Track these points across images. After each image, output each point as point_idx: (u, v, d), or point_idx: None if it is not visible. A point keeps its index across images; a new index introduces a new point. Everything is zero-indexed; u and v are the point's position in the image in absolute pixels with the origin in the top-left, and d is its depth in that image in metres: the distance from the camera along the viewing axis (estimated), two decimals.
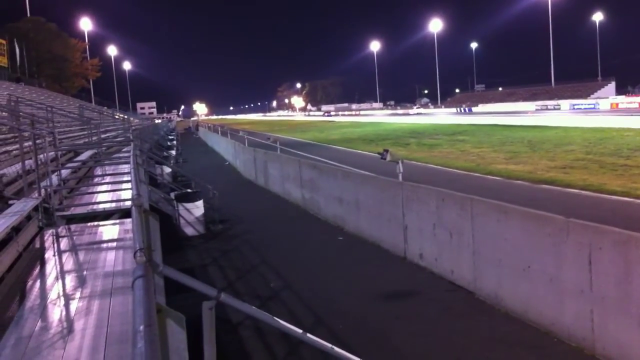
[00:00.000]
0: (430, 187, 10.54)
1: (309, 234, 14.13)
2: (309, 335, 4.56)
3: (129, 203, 6.97)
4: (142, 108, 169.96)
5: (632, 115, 46.31)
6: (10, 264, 5.81)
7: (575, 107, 76.22)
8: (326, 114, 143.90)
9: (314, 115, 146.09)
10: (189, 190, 15.90)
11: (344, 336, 7.42)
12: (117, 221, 8.23)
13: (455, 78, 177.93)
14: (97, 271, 5.62)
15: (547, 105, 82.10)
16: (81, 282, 5.30)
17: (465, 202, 8.85)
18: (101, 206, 9.18)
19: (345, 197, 13.70)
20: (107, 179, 12.02)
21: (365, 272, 10.53)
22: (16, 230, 6.62)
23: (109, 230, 7.85)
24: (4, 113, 15.25)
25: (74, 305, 4.62)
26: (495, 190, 16.42)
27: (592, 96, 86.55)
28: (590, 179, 17.31)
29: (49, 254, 6.64)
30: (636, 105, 67.99)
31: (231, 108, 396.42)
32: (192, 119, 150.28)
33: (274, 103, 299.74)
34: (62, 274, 5.72)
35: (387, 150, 11.28)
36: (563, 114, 61.27)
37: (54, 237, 7.44)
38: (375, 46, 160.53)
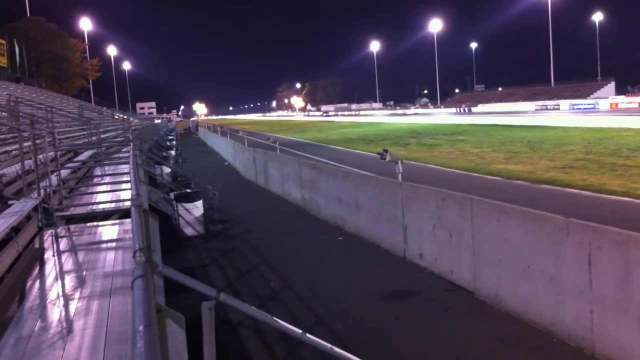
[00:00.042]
0: (430, 187, 10.54)
1: (309, 234, 14.13)
2: (308, 335, 4.56)
3: (128, 203, 6.96)
4: (142, 108, 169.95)
5: (631, 115, 46.34)
6: (9, 264, 5.80)
7: (575, 107, 76.25)
8: (324, 114, 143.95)
9: (314, 116, 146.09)
10: (188, 191, 15.89)
11: (343, 336, 7.42)
12: (117, 221, 8.22)
13: (454, 78, 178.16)
14: (96, 271, 5.62)
15: (546, 105, 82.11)
16: (81, 282, 5.30)
17: (465, 202, 8.85)
18: (101, 206, 9.18)
19: (345, 197, 13.70)
20: (107, 179, 12.02)
21: (365, 272, 10.52)
22: (16, 230, 6.61)
23: (108, 230, 7.85)
24: (3, 113, 15.24)
25: (73, 305, 4.62)
26: (494, 190, 16.42)
27: (591, 96, 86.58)
28: (590, 179, 17.31)
29: (48, 254, 6.64)
30: (636, 105, 68.00)
31: (231, 108, 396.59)
32: (191, 119, 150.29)
33: (274, 103, 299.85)
34: (61, 274, 5.72)
35: (386, 150, 11.28)
36: (563, 114, 61.28)
37: (54, 237, 7.44)
38: (375, 46, 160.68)
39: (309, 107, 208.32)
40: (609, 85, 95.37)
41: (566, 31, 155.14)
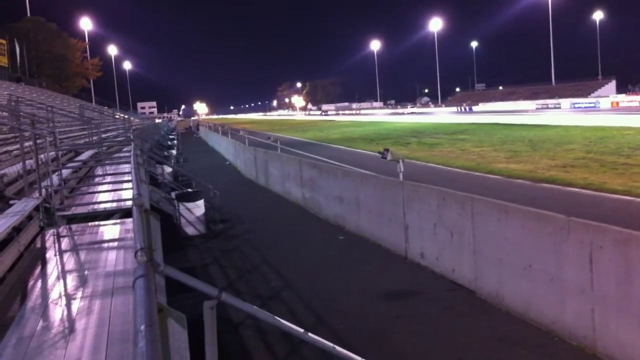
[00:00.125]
0: (431, 186, 10.54)
1: (310, 234, 14.13)
2: (310, 334, 4.56)
3: (129, 203, 6.97)
4: (143, 108, 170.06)
5: (632, 114, 46.33)
6: (11, 263, 5.81)
7: (576, 105, 76.23)
8: (323, 113, 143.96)
9: (315, 115, 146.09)
10: (189, 190, 15.91)
11: (344, 336, 7.42)
12: (118, 221, 8.23)
13: (455, 77, 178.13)
14: (98, 271, 5.62)
15: (547, 104, 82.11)
16: (82, 281, 5.30)
17: (466, 202, 8.85)
18: (102, 206, 9.18)
19: (346, 196, 13.69)
20: (108, 178, 12.02)
21: (366, 271, 10.53)
22: (17, 230, 6.62)
23: (109, 230, 7.85)
24: (4, 113, 15.25)
25: (75, 305, 4.62)
26: (495, 189, 16.42)
27: (592, 95, 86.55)
28: (591, 177, 17.31)
29: (50, 254, 6.64)
30: (636, 104, 67.97)
31: (232, 107, 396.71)
32: (192, 118, 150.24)
33: (275, 102, 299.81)
34: (63, 273, 5.73)
35: (387, 150, 11.27)
36: (563, 113, 61.24)
37: (55, 237, 7.44)
38: (375, 45, 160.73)
39: (309, 106, 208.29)
40: (609, 84, 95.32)
41: (567, 30, 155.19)
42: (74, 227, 7.98)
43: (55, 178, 8.96)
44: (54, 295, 4.97)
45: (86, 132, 22.30)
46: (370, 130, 54.51)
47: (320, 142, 43.36)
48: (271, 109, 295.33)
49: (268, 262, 11.54)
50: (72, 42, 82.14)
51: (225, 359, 6.81)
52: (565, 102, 79.31)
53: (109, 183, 11.14)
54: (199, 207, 14.72)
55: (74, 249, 6.95)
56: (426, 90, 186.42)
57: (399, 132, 47.63)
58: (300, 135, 54.85)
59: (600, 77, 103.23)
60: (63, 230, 7.78)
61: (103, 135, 22.31)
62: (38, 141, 8.93)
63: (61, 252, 6.76)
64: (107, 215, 8.70)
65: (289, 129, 74.69)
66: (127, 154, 14.44)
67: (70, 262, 6.27)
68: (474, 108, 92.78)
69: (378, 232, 12.04)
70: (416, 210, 10.42)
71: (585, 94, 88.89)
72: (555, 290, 7.03)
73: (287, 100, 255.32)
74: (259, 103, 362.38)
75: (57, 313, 4.52)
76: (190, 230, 14.58)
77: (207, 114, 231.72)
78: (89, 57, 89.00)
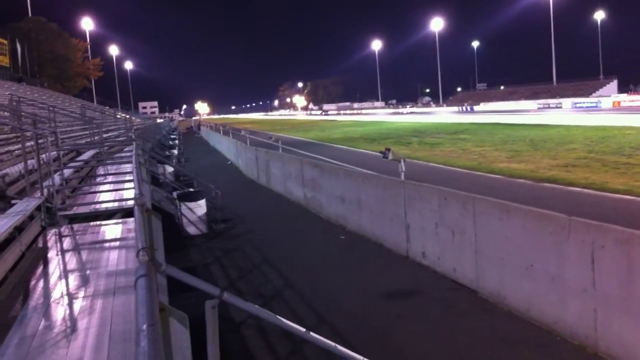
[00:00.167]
0: (433, 185, 10.53)
1: (311, 233, 14.13)
2: (312, 334, 4.56)
3: (131, 202, 6.99)
4: (144, 107, 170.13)
5: (634, 113, 46.28)
6: (13, 263, 5.82)
7: (577, 105, 76.17)
8: (324, 113, 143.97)
9: (316, 115, 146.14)
10: (191, 190, 15.91)
11: (346, 335, 7.43)
12: (120, 220, 8.24)
13: (457, 77, 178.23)
14: (99, 270, 5.63)
15: (549, 104, 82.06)
16: (84, 281, 5.31)
17: (468, 201, 8.85)
18: (104, 205, 9.19)
19: (348, 196, 13.70)
20: (110, 178, 12.04)
21: (368, 271, 10.53)
22: (19, 229, 6.63)
23: (111, 229, 7.86)
24: (6, 113, 15.28)
25: (77, 304, 4.63)
26: (497, 189, 16.41)
27: (594, 95, 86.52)
28: (593, 177, 17.29)
29: (51, 254, 6.65)
30: (638, 104, 67.91)
31: (233, 107, 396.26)
32: (194, 118, 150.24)
33: (276, 102, 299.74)
34: (65, 273, 5.73)
35: (389, 149, 11.27)
36: (565, 113, 61.20)
37: (57, 236, 7.45)
38: (376, 45, 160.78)
39: (311, 106, 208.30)
40: (611, 83, 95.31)
41: (568, 30, 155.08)
42: (75, 226, 8.00)
43: (56, 178, 8.98)
44: (55, 294, 4.98)
45: (88, 132, 22.34)
46: (371, 129, 54.50)
47: (322, 142, 43.36)
48: (272, 108, 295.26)
49: (269, 262, 11.54)
50: (74, 42, 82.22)
51: (227, 359, 6.82)
52: (567, 102, 79.25)
53: (110, 183, 11.15)
54: (200, 207, 14.72)
55: (76, 248, 6.96)
56: (427, 90, 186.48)
57: (400, 131, 47.62)
58: (302, 135, 54.86)
59: (601, 76, 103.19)
60: (65, 230, 7.79)
61: (104, 135, 22.35)
62: (40, 141, 8.94)
63: (63, 252, 6.77)
64: (108, 214, 8.71)
65: (291, 128, 74.70)
66: (128, 154, 14.47)
67: (72, 261, 6.28)
68: (476, 108, 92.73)
69: (379, 232, 12.04)
70: (418, 209, 10.42)
71: (587, 93, 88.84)
72: (556, 289, 7.03)
73: (288, 100, 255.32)
74: (261, 103, 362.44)
75: (59, 312, 4.53)
76: (191, 230, 14.59)
77: (208, 114, 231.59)
78: (90, 57, 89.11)
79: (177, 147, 39.52)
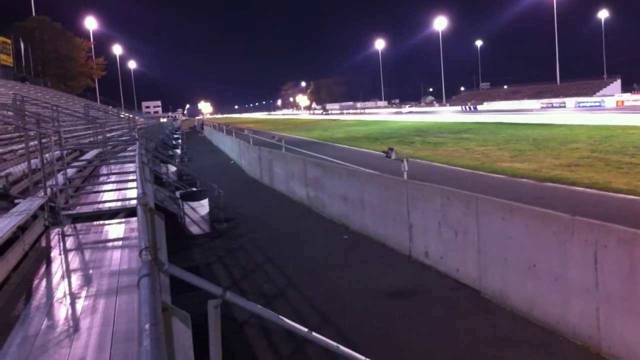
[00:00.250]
0: (435, 185, 10.53)
1: (314, 233, 14.14)
2: (314, 333, 4.56)
3: (134, 202, 6.99)
4: (147, 107, 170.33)
5: (637, 113, 46.18)
6: (16, 262, 5.83)
7: (581, 105, 76.02)
8: (325, 113, 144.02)
9: (319, 114, 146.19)
10: (194, 189, 15.93)
11: (348, 334, 7.43)
12: (123, 220, 8.24)
13: (460, 76, 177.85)
14: (102, 270, 5.64)
15: (552, 103, 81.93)
16: (87, 280, 5.32)
17: (471, 201, 8.84)
18: (107, 205, 9.20)
19: (350, 195, 13.70)
20: (113, 177, 12.05)
21: (370, 270, 10.53)
22: (22, 229, 6.64)
23: (114, 229, 7.87)
24: (9, 112, 15.30)
25: (80, 303, 4.64)
26: (500, 188, 16.39)
27: (597, 94, 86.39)
28: (596, 177, 17.26)
29: (55, 253, 6.66)
30: None
31: (236, 107, 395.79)
32: (197, 117, 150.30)
33: (279, 102, 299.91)
34: (68, 272, 5.74)
35: (392, 149, 11.28)
36: (568, 112, 61.13)
37: (60, 236, 7.47)
38: (379, 44, 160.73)
39: (314, 105, 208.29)
40: (614, 83, 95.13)
41: (572, 29, 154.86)
42: (78, 226, 8.01)
43: (60, 177, 9.00)
44: (58, 294, 4.99)
45: (91, 132, 22.34)
46: (374, 129, 54.47)
47: (325, 142, 43.36)
48: (275, 108, 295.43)
49: (272, 261, 11.55)
50: (77, 42, 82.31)
51: (229, 358, 6.83)
52: (570, 101, 79.11)
53: (113, 182, 11.16)
54: (203, 206, 14.74)
55: (79, 248, 6.97)
56: (431, 89, 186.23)
57: (403, 131, 47.59)
58: (305, 135, 54.87)
59: (605, 76, 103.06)
60: (68, 229, 7.81)
61: (108, 135, 22.37)
62: (43, 140, 8.97)
63: (66, 251, 6.79)
64: (111, 214, 8.71)
65: (294, 128, 74.72)
66: (131, 153, 14.49)
67: (75, 261, 6.29)
68: (479, 107, 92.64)
69: (382, 231, 12.04)
70: (420, 209, 10.41)
71: (590, 93, 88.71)
72: (559, 289, 7.02)
73: (291, 99, 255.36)
74: (264, 102, 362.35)
75: (61, 312, 4.54)
76: (194, 230, 14.61)
77: (211, 114, 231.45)
78: (93, 57, 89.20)
79: (180, 147, 39.57)
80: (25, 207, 7.22)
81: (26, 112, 15.04)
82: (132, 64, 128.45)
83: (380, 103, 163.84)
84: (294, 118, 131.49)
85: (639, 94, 79.16)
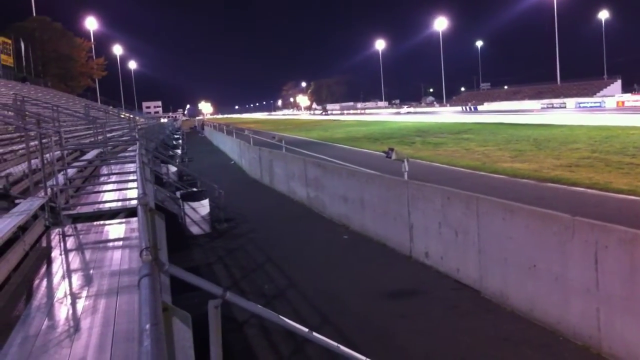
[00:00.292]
0: (436, 185, 10.54)
1: (314, 233, 14.14)
2: (314, 333, 4.56)
3: (134, 202, 6.99)
4: (148, 107, 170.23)
5: (638, 113, 46.18)
6: (16, 262, 5.82)
7: (581, 105, 76.02)
8: (324, 113, 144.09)
9: (319, 114, 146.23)
10: (194, 189, 15.94)
11: (349, 334, 7.43)
12: (123, 220, 8.24)
13: (460, 76, 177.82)
14: (103, 270, 5.63)
15: (552, 104, 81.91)
16: (87, 280, 5.32)
17: (471, 201, 8.84)
18: (107, 205, 9.19)
19: (351, 195, 13.70)
20: (113, 178, 12.05)
21: (371, 270, 10.53)
22: (23, 229, 6.64)
23: (115, 229, 7.87)
24: (10, 112, 15.31)
25: (80, 303, 4.64)
26: (500, 188, 16.39)
27: (598, 94, 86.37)
28: (596, 177, 17.26)
29: (55, 253, 6.66)
30: None
31: (237, 107, 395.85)
32: (197, 118, 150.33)
33: (279, 102, 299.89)
34: (68, 272, 5.74)
35: (392, 149, 11.28)
36: (569, 112, 61.12)
37: (61, 236, 7.47)
38: (380, 45, 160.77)
39: (314, 105, 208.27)
40: (615, 83, 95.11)
41: (572, 29, 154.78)
42: (79, 226, 8.01)
43: (60, 177, 8.99)
44: (59, 294, 4.99)
45: (91, 132, 22.32)
46: (374, 129, 54.47)
47: (325, 142, 43.36)
48: (276, 108, 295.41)
49: (272, 261, 11.55)
50: (78, 42, 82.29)
51: (230, 358, 6.83)
52: (571, 102, 79.10)
53: (114, 182, 11.16)
54: (203, 207, 14.75)
55: (79, 248, 6.97)
56: (431, 90, 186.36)
57: (404, 131, 47.58)
58: (305, 135, 54.87)
59: (605, 76, 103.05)
60: (68, 229, 7.80)
61: (108, 135, 22.38)
62: (43, 140, 8.96)
63: (66, 251, 6.79)
64: (112, 214, 8.71)
65: (294, 128, 74.72)
66: (132, 154, 14.49)
67: (75, 261, 6.29)
68: (479, 107, 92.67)
69: (382, 232, 12.04)
70: (421, 209, 10.41)
71: (591, 93, 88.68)
72: (560, 289, 7.02)
73: (292, 99, 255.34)
74: (264, 102, 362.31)
75: (62, 312, 4.54)
76: (195, 230, 14.61)
77: (212, 114, 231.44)
78: (94, 57, 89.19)
79: (180, 147, 39.60)
80: (26, 207, 7.22)
81: (27, 112, 15.04)
82: (132, 64, 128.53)
83: (380, 103, 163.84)
84: (295, 118, 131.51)
85: (639, 94, 79.16)
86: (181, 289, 4.56)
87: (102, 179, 12.65)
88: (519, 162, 22.42)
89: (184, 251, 12.76)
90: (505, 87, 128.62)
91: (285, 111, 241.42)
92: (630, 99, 73.30)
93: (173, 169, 22.63)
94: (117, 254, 6.25)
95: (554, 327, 7.13)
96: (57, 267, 5.94)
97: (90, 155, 15.37)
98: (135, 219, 7.30)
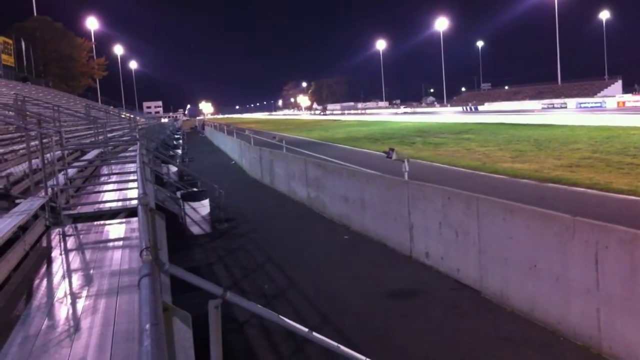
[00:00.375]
0: (436, 185, 10.54)
1: (314, 233, 14.14)
2: (314, 333, 4.57)
3: (135, 202, 6.99)
4: (149, 107, 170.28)
5: (638, 113, 46.15)
6: (17, 262, 5.83)
7: (582, 105, 75.96)
8: (322, 113, 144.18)
9: (318, 114, 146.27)
10: (195, 189, 15.95)
11: (349, 334, 7.43)
12: (124, 220, 8.24)
13: (461, 77, 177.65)
14: (103, 270, 5.64)
15: (553, 104, 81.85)
16: (88, 280, 5.32)
17: (471, 201, 8.84)
18: (107, 205, 9.20)
19: (351, 195, 13.70)
20: (114, 178, 12.05)
21: (371, 270, 10.53)
22: (23, 229, 6.64)
23: (115, 229, 7.87)
24: (11, 112, 15.31)
25: (80, 303, 4.64)
26: (501, 189, 16.38)
27: (598, 95, 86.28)
28: (597, 177, 17.25)
29: (55, 253, 6.66)
30: None
31: (237, 107, 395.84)
32: (198, 118, 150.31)
33: (280, 102, 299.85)
34: (68, 272, 5.75)
35: (392, 149, 11.27)
36: (569, 113, 61.08)
37: (61, 236, 7.47)
38: (380, 45, 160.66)
39: (315, 105, 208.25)
40: (616, 83, 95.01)
41: (573, 29, 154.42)
42: (79, 226, 8.01)
43: (61, 177, 9.00)
44: (59, 294, 4.99)
45: (92, 132, 22.31)
46: (375, 129, 54.46)
47: (326, 142, 43.36)
48: (277, 108, 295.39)
49: (273, 261, 11.56)
50: (79, 42, 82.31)
51: (230, 358, 6.83)
52: (571, 102, 79.03)
53: (114, 182, 11.16)
54: (204, 207, 14.75)
55: (80, 248, 6.98)
56: (432, 90, 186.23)
57: (404, 131, 47.57)
58: (306, 135, 54.87)
59: (606, 76, 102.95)
60: (69, 229, 7.81)
61: (109, 135, 22.40)
62: (44, 140, 8.97)
63: (67, 251, 6.79)
64: (112, 214, 8.71)
65: (294, 128, 74.72)
66: (132, 154, 14.49)
67: (75, 261, 6.30)
68: (480, 108, 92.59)
69: (383, 232, 12.04)
70: (421, 209, 10.41)
71: (592, 93, 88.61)
72: (560, 289, 7.02)
73: (292, 99, 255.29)
74: (265, 102, 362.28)
75: (62, 312, 4.54)
76: (195, 230, 14.62)
77: (212, 114, 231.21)
78: (95, 57, 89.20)
79: (181, 147, 39.63)
80: (26, 207, 7.22)
81: (27, 112, 15.05)
82: (133, 64, 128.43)
83: (381, 103, 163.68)
84: (295, 118, 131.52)
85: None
86: (181, 289, 4.56)
87: (102, 179, 12.65)
88: (520, 162, 22.42)
89: (184, 251, 12.76)
90: (506, 87, 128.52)
91: (286, 111, 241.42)
92: (630, 99, 73.22)
93: (173, 169, 22.64)
94: (118, 254, 6.25)
95: (555, 327, 7.13)
96: (58, 267, 5.95)
97: (91, 155, 15.37)
98: (135, 218, 7.31)
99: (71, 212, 8.54)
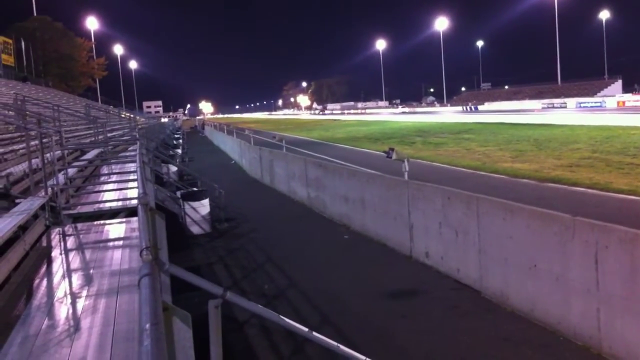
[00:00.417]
0: (436, 185, 10.53)
1: (315, 233, 14.14)
2: (314, 333, 4.57)
3: (135, 202, 6.99)
4: (148, 107, 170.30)
5: (638, 113, 46.14)
6: (17, 262, 5.83)
7: (582, 105, 75.93)
8: (321, 113, 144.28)
9: (318, 114, 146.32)
10: (195, 189, 15.94)
11: (349, 334, 7.43)
12: (124, 220, 8.24)
13: (461, 76, 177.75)
14: (103, 269, 5.64)
15: (553, 104, 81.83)
16: (88, 280, 5.32)
17: (471, 201, 8.84)
18: (107, 205, 9.20)
19: (351, 195, 13.70)
20: (114, 177, 12.05)
21: (371, 270, 10.52)
22: (23, 228, 6.64)
23: (115, 228, 7.87)
24: (11, 112, 15.31)
25: (80, 303, 4.64)
26: (501, 188, 16.38)
27: (598, 94, 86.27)
28: (597, 177, 17.25)
29: (55, 253, 6.66)
30: None
31: (237, 107, 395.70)
32: (198, 117, 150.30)
33: (280, 102, 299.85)
34: (68, 272, 5.75)
35: (392, 149, 11.27)
36: (569, 112, 61.06)
37: (61, 235, 7.47)
38: (380, 45, 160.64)
39: (315, 105, 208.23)
40: (615, 83, 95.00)
41: (573, 29, 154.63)
42: (79, 225, 8.01)
43: (61, 177, 9.00)
44: (59, 293, 4.99)
45: (92, 131, 22.31)
46: (375, 129, 54.44)
47: (326, 142, 43.34)
48: (277, 108, 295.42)
49: (273, 261, 11.55)
50: (78, 42, 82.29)
51: (230, 358, 6.83)
52: (571, 102, 79.00)
53: (114, 182, 11.17)
54: (204, 206, 14.75)
55: (80, 247, 6.98)
56: (432, 90, 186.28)
57: (404, 131, 47.54)
58: (306, 135, 54.85)
59: (606, 76, 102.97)
60: (69, 229, 7.81)
61: (109, 135, 22.40)
62: (44, 140, 8.97)
63: (67, 251, 6.79)
64: (112, 214, 8.71)
65: (294, 128, 74.70)
66: (132, 153, 14.50)
67: (75, 260, 6.30)
68: (480, 107, 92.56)
69: (383, 231, 12.04)
70: (421, 209, 10.41)
71: (592, 93, 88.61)
72: (560, 289, 7.02)
73: (292, 99, 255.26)
74: (265, 102, 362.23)
75: (62, 311, 4.54)
76: (195, 229, 14.61)
77: (212, 113, 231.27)
78: (94, 57, 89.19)
79: (181, 147, 39.62)
80: (26, 206, 7.22)
81: (27, 112, 15.05)
82: (133, 64, 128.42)
83: (381, 103, 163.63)
84: (295, 118, 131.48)
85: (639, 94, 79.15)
86: (181, 289, 4.56)
87: (102, 178, 12.65)
88: (520, 162, 22.41)
89: (184, 251, 12.76)
90: (506, 87, 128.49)
91: (286, 111, 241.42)
92: (630, 99, 73.19)
93: (173, 168, 22.64)
94: (118, 254, 6.25)
95: (555, 327, 7.13)
96: (58, 267, 5.95)
97: (91, 154, 15.37)
98: (135, 218, 7.30)
99: (71, 211, 8.54)
